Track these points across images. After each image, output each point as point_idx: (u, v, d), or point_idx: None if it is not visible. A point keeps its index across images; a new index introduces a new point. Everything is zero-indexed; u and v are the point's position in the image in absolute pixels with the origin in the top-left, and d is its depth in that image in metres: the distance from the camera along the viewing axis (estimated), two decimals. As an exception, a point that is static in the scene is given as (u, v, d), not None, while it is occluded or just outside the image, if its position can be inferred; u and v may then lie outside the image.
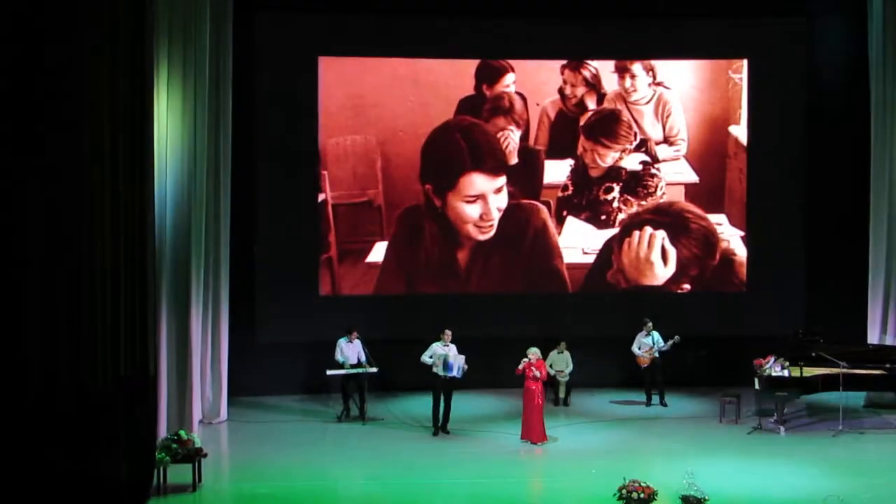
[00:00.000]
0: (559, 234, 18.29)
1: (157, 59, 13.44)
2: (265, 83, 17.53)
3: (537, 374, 14.79)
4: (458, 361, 15.20)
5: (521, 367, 14.82)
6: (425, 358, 15.39)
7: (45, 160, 10.68)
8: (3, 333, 10.52)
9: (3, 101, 10.46)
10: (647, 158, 18.31)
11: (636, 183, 18.36)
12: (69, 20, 10.78)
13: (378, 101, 17.96)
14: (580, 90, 18.28)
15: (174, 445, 12.46)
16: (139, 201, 11.67)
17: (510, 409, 16.15)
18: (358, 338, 16.27)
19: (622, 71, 18.30)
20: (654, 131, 18.35)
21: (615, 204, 18.36)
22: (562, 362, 17.14)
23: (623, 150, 18.30)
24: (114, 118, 11.17)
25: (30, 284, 10.63)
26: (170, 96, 14.34)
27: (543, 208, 18.23)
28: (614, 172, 18.37)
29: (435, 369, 15.28)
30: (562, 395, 17.19)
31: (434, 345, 15.41)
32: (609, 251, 18.36)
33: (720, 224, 18.42)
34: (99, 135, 11.00)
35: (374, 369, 16.15)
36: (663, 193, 18.34)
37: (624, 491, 11.41)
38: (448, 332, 15.43)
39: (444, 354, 15.22)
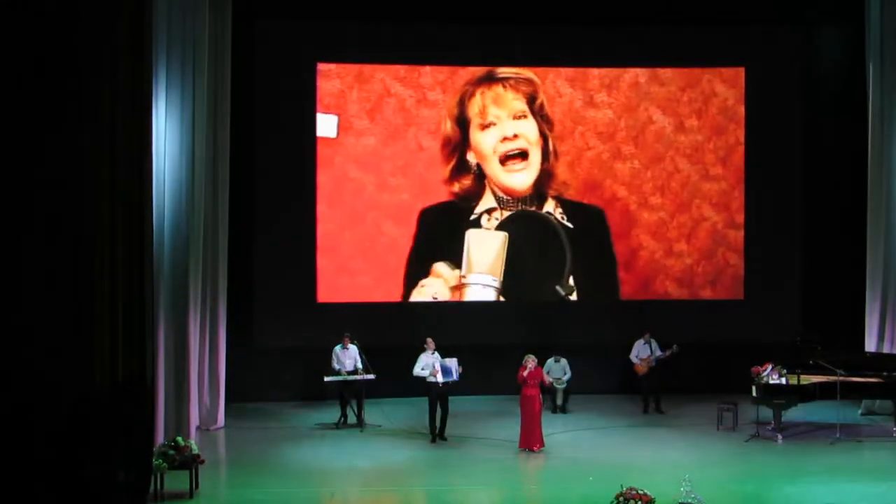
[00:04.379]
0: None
1: (156, 66, 13.45)
2: (264, 89, 17.56)
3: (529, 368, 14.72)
4: (453, 365, 15.21)
5: (525, 373, 14.72)
6: (417, 370, 15.39)
7: (44, 166, 10.68)
8: (2, 340, 10.51)
9: (2, 104, 10.47)
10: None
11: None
12: (68, 27, 10.78)
13: (376, 106, 17.96)
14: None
15: (171, 452, 12.44)
16: (137, 208, 11.68)
17: (507, 416, 16.13)
18: (353, 343, 16.29)
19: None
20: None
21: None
22: (559, 370, 17.14)
23: None
24: (113, 126, 11.18)
25: (28, 291, 10.63)
26: (168, 103, 14.34)
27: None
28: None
29: (430, 378, 15.27)
30: (559, 402, 17.18)
31: (422, 356, 15.42)
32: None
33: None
34: (98, 142, 11.01)
35: (372, 376, 16.15)
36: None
37: (622, 498, 11.37)
38: (430, 341, 15.43)
39: (438, 362, 15.22)
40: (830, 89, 18.10)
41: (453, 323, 17.56)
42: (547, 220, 18.36)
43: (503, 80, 18.28)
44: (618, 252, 18.55)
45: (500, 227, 18.32)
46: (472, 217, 18.26)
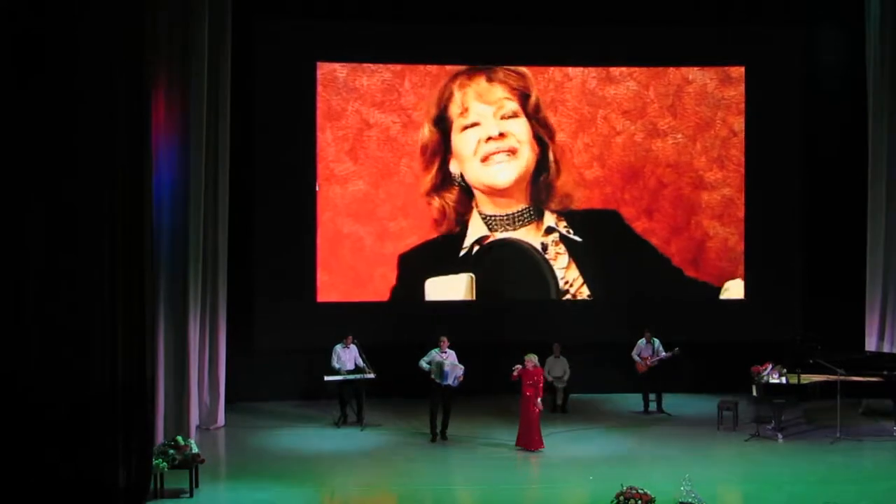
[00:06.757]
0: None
1: (156, 66, 13.45)
2: (264, 90, 17.55)
3: (524, 366, 14.70)
4: (454, 371, 15.19)
5: (515, 373, 14.81)
6: (423, 363, 15.39)
7: (45, 165, 10.69)
8: (2, 339, 10.52)
9: (2, 103, 10.48)
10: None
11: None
12: (68, 24, 10.79)
13: (377, 106, 17.92)
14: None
15: (171, 451, 12.45)
16: (137, 207, 11.69)
17: (508, 416, 16.13)
18: (354, 343, 16.30)
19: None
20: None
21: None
22: (559, 367, 17.14)
23: None
24: (113, 125, 11.19)
25: (28, 290, 10.64)
26: (168, 103, 14.34)
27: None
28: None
29: (432, 376, 15.28)
30: (559, 401, 17.18)
31: (432, 351, 15.41)
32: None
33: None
34: (98, 140, 11.01)
35: (372, 375, 16.16)
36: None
37: (622, 498, 11.38)
38: (444, 340, 15.41)
39: (441, 362, 15.21)
40: (830, 89, 18.10)
41: (453, 322, 17.49)
42: (531, 250, 17.62)
43: (487, 72, 17.01)
44: (679, 249, 17.34)
45: (480, 256, 17.64)
46: (462, 253, 17.65)
